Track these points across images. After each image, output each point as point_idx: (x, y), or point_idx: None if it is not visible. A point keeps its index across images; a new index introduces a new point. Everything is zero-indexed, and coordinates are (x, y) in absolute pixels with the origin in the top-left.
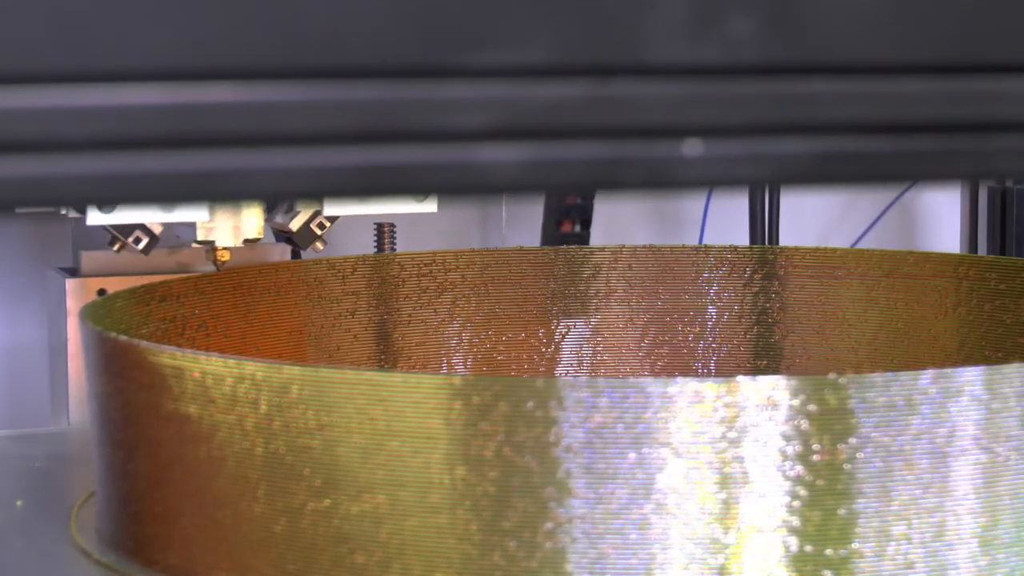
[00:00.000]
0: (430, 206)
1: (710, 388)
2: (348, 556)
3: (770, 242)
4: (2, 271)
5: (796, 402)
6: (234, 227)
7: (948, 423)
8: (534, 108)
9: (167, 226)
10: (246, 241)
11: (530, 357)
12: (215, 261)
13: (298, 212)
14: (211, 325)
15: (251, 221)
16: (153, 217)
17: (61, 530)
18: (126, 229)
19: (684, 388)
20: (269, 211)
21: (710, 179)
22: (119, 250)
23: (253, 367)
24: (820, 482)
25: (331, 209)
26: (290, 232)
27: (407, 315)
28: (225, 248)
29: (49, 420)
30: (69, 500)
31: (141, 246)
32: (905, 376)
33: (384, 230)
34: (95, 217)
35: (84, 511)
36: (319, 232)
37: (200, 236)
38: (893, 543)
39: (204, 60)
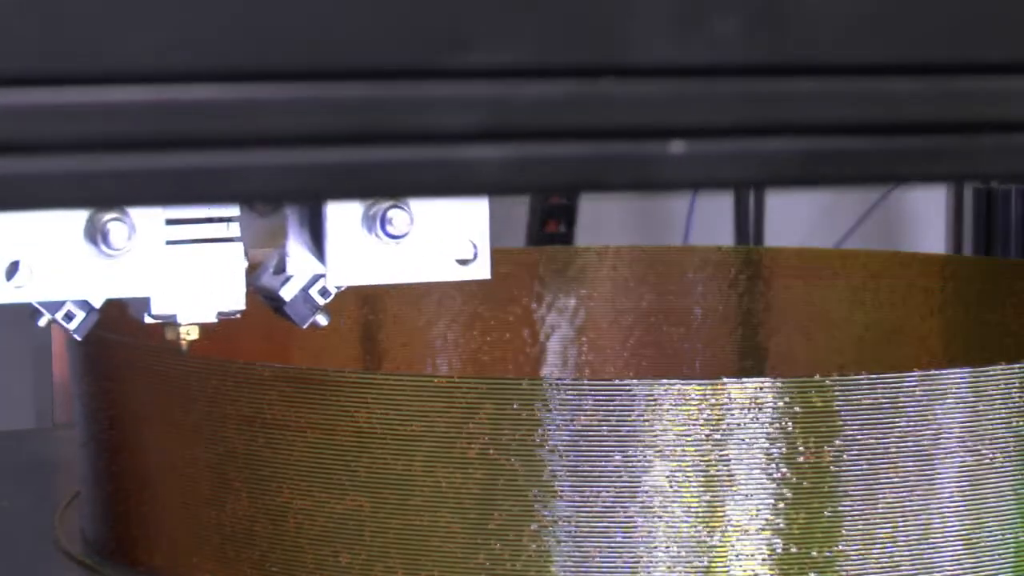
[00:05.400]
0: None
1: (695, 389)
2: (332, 557)
3: (755, 242)
4: None
5: (781, 403)
6: (203, 298)
7: (933, 424)
8: (521, 108)
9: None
10: (221, 315)
11: (515, 358)
12: (178, 341)
13: (291, 276)
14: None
15: (231, 288)
16: (96, 292)
17: (45, 531)
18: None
19: (669, 389)
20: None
21: (696, 180)
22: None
23: (237, 367)
24: (805, 483)
25: (343, 278)
26: (280, 301)
27: (392, 316)
28: (192, 324)
29: (33, 420)
30: (53, 501)
31: (73, 324)
32: (890, 377)
33: None
34: (4, 295)
35: (68, 512)
36: (320, 301)
37: (156, 310)
38: (878, 544)
39: (194, 61)
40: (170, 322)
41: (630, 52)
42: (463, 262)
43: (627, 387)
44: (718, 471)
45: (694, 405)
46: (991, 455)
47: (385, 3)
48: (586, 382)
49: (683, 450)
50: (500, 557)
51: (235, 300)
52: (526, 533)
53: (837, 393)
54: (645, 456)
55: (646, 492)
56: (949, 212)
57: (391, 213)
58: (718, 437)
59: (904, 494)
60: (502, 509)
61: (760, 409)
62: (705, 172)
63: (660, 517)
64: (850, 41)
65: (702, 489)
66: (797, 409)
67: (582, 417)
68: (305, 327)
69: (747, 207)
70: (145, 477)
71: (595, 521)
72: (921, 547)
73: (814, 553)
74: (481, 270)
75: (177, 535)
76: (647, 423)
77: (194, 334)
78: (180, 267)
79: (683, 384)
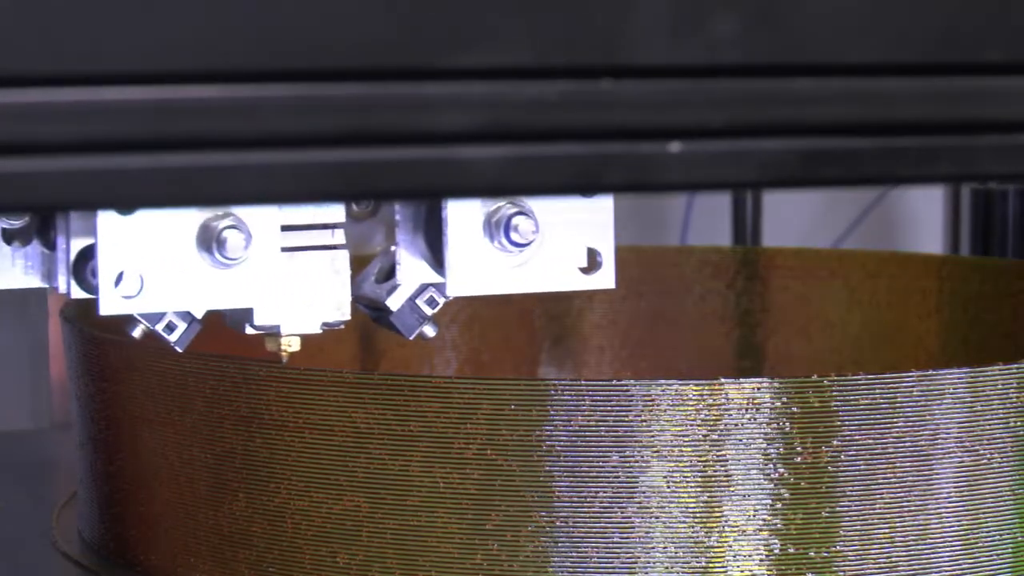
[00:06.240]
0: None
1: (692, 389)
2: (329, 557)
3: (753, 243)
4: None
5: (779, 403)
6: (308, 308)
7: (931, 424)
8: (520, 109)
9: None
10: (325, 326)
11: (513, 358)
12: (279, 352)
13: (398, 285)
14: None
15: (336, 298)
16: (207, 303)
17: (42, 531)
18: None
19: (667, 390)
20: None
21: (695, 180)
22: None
23: (234, 367)
24: (803, 484)
25: (464, 288)
26: (385, 310)
27: None
28: (293, 335)
29: (30, 420)
30: (50, 501)
31: (174, 335)
32: (888, 377)
33: None
34: (113, 305)
35: (66, 512)
36: (428, 311)
37: (259, 320)
38: (876, 545)
39: (195, 62)
40: (272, 333)
41: (629, 53)
42: (586, 270)
43: (624, 387)
44: (715, 471)
45: (691, 405)
46: (989, 455)
47: (387, 4)
48: (583, 382)
49: (680, 450)
50: (497, 558)
51: (340, 310)
52: (523, 534)
53: (835, 393)
54: (643, 456)
55: (643, 492)
56: (947, 212)
57: (516, 220)
58: (715, 437)
59: (902, 494)
60: (499, 510)
61: (758, 409)
62: (704, 173)
63: (657, 517)
64: (849, 41)
65: (700, 489)
66: (795, 409)
67: (579, 417)
68: (412, 338)
69: (745, 207)
70: (142, 477)
71: (592, 522)
72: (919, 547)
73: (812, 553)
74: (606, 279)
75: (174, 535)
76: (644, 423)
77: (295, 345)
78: (287, 276)
79: (680, 384)
